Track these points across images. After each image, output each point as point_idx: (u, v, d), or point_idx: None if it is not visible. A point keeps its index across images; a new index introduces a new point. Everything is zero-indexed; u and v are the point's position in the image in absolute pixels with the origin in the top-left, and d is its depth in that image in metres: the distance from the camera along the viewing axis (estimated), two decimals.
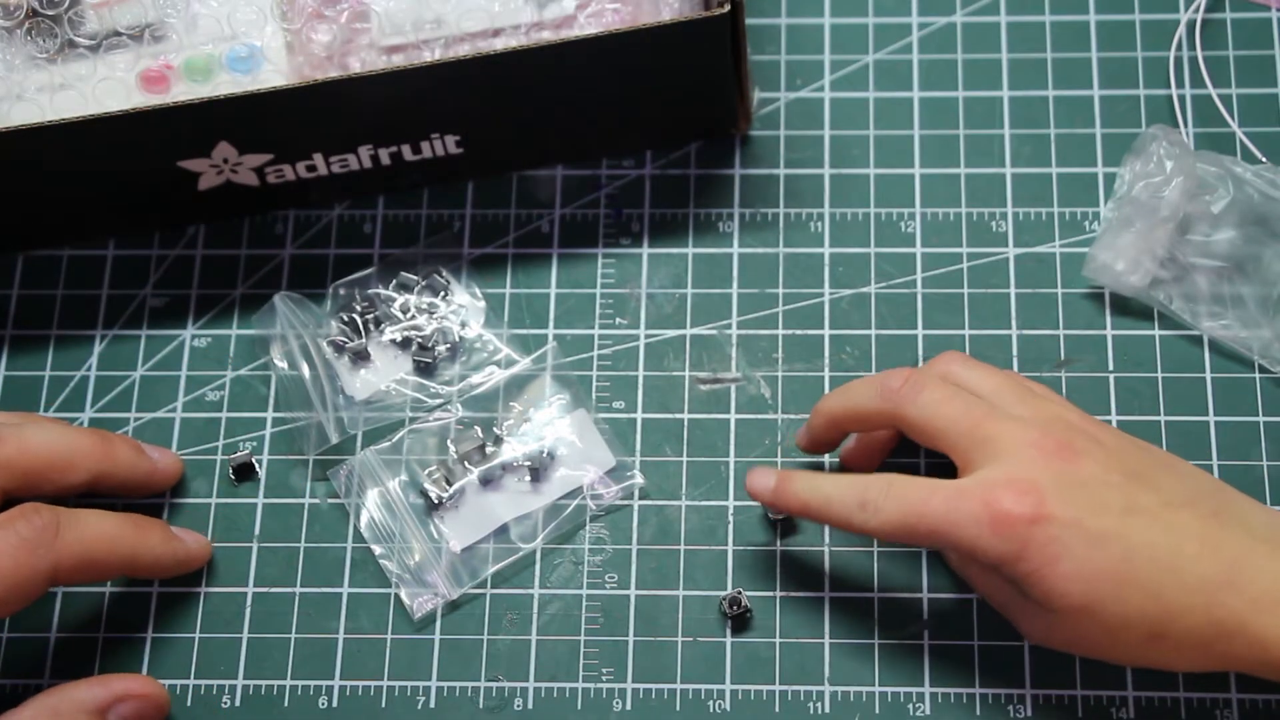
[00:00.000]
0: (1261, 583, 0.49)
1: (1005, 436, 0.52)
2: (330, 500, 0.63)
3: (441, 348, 0.64)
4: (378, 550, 0.61)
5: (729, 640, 0.60)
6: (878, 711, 0.58)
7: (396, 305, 0.65)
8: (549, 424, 0.63)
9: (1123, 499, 0.51)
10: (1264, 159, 0.66)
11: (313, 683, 0.60)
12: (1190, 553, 0.50)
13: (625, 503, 0.62)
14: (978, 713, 0.58)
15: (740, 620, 0.60)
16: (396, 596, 0.61)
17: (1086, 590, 0.50)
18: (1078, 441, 0.52)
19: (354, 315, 0.65)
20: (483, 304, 0.66)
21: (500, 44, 0.63)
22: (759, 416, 0.63)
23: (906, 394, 0.54)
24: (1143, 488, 0.51)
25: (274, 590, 0.61)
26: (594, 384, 0.64)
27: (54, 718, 0.54)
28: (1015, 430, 0.52)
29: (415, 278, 0.66)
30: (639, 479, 0.62)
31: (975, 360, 0.57)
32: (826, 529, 0.61)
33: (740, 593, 0.59)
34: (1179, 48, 0.68)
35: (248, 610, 0.61)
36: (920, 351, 0.64)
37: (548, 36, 0.63)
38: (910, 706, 0.58)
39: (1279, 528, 0.52)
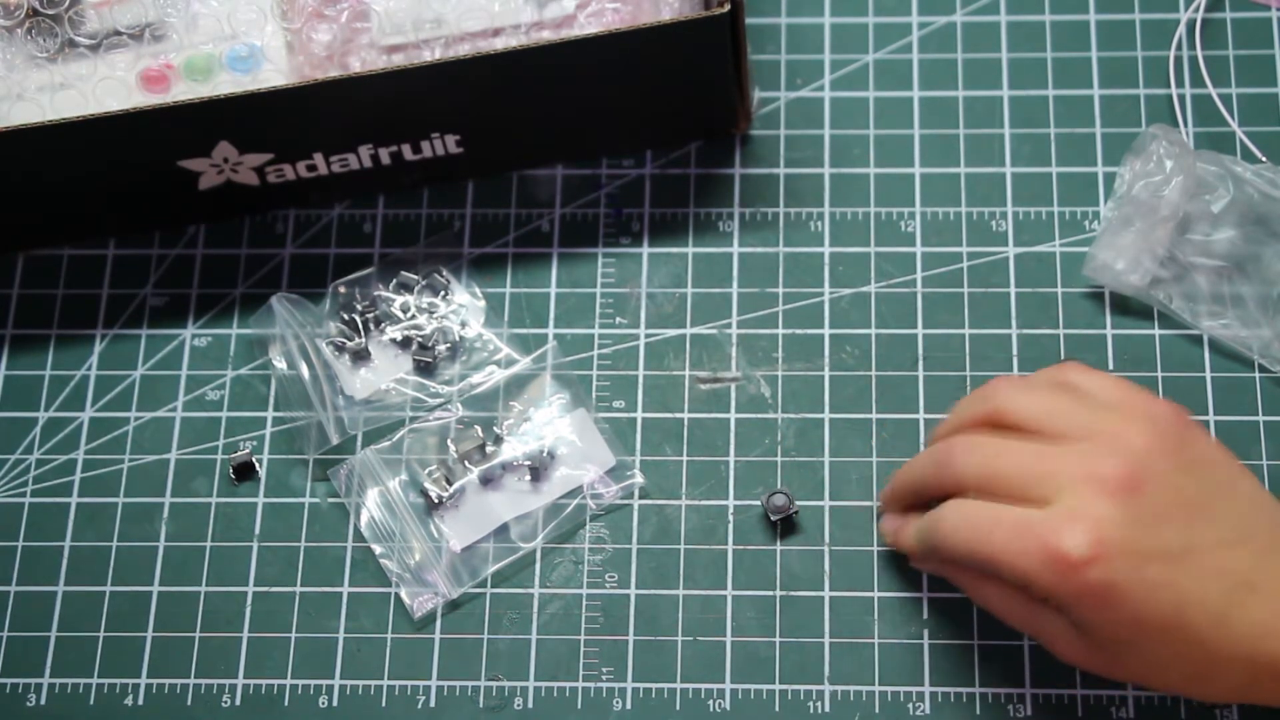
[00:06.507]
0: None
1: (1065, 472, 0.50)
2: (330, 500, 0.63)
3: (441, 347, 0.64)
4: (378, 550, 0.61)
5: (729, 640, 0.60)
6: (878, 711, 0.58)
7: (396, 305, 0.65)
8: (549, 423, 0.63)
9: (1181, 538, 0.50)
10: (1264, 159, 0.65)
11: (313, 682, 0.60)
12: (1240, 599, 0.50)
13: (625, 502, 0.62)
14: (978, 713, 0.58)
15: (788, 523, 0.61)
16: (396, 596, 0.61)
17: (1136, 634, 0.50)
18: (1140, 470, 0.50)
19: (354, 315, 0.65)
20: (483, 303, 0.66)
21: (500, 44, 0.63)
22: (759, 416, 0.63)
23: (955, 457, 0.53)
24: (1202, 521, 0.50)
25: (274, 590, 0.61)
26: (594, 383, 0.64)
27: None
28: (1075, 464, 0.51)
29: (415, 277, 0.66)
30: (639, 478, 0.62)
31: (1031, 377, 0.56)
32: (826, 528, 0.61)
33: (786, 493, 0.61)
34: (1179, 47, 0.68)
35: (248, 610, 0.61)
36: (920, 351, 0.64)
37: (548, 36, 0.63)
38: (910, 706, 0.58)
39: None
